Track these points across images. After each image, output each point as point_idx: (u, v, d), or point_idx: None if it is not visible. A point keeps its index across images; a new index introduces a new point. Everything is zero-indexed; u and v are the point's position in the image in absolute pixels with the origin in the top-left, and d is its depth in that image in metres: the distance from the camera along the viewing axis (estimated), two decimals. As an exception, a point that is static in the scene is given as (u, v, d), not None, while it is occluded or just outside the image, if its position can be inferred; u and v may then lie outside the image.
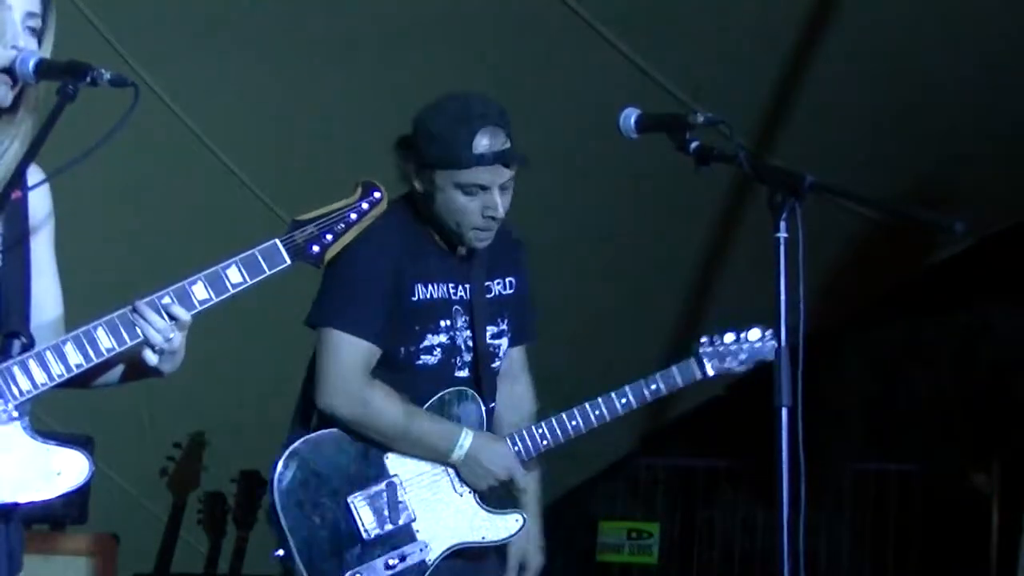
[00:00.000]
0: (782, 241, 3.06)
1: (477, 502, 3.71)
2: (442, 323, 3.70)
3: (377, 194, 2.84)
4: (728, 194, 6.55)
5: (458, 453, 3.66)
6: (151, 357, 2.70)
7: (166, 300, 2.68)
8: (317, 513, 3.57)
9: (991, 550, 7.43)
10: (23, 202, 2.75)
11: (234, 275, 2.72)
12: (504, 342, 3.84)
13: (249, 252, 2.73)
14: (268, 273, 2.74)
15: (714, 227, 6.83)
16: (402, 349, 3.67)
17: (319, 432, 3.65)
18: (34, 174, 2.78)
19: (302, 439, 3.62)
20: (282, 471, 3.57)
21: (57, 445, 2.67)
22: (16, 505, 2.67)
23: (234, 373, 6.72)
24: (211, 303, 2.72)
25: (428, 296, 3.69)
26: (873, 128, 6.38)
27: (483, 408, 3.75)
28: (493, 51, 5.79)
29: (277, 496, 3.55)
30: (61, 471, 2.66)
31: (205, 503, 5.73)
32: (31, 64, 2.69)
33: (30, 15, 2.75)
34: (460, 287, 3.74)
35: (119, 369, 2.82)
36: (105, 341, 2.65)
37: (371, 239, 3.55)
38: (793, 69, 6.14)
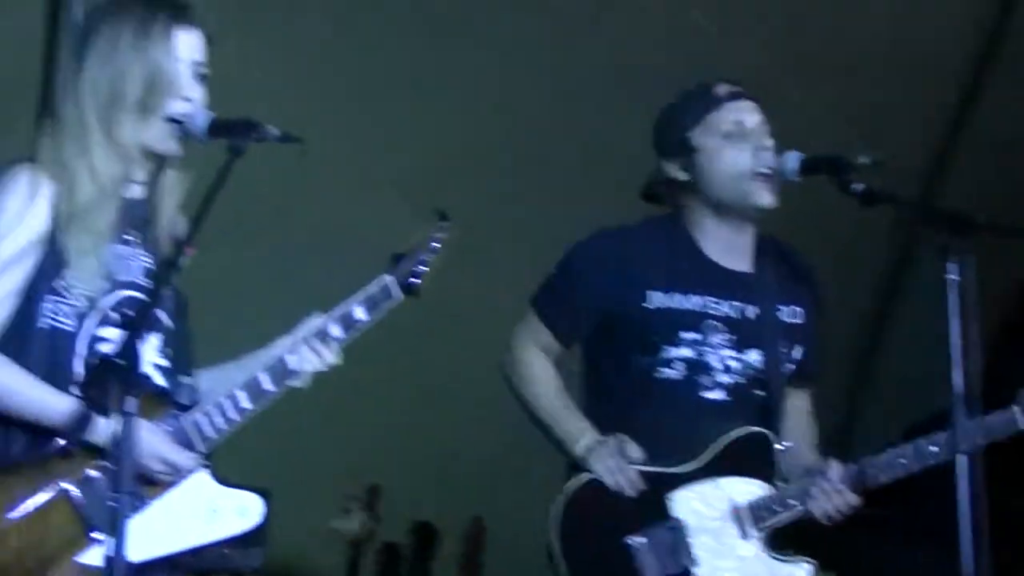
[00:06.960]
0: (953, 284, 2.99)
1: (763, 549, 3.45)
2: (685, 335, 3.50)
3: (446, 222, 2.97)
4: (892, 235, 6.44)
5: (580, 448, 3.45)
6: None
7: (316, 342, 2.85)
8: (596, 556, 3.38)
9: None
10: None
11: (359, 313, 2.88)
12: (791, 368, 3.60)
13: (368, 292, 2.88)
14: (383, 310, 2.89)
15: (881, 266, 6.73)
16: (637, 357, 3.51)
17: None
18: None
19: (581, 478, 3.43)
20: (561, 512, 3.40)
21: (237, 489, 2.83)
22: (199, 548, 2.78)
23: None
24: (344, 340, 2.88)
25: (668, 305, 3.50)
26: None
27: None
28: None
29: (556, 538, 3.39)
30: (241, 512, 2.81)
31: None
32: (204, 123, 2.74)
33: (198, 63, 2.82)
34: (726, 304, 3.53)
35: None
36: (268, 385, 2.84)
37: (605, 238, 3.58)
38: (958, 106, 6.06)
